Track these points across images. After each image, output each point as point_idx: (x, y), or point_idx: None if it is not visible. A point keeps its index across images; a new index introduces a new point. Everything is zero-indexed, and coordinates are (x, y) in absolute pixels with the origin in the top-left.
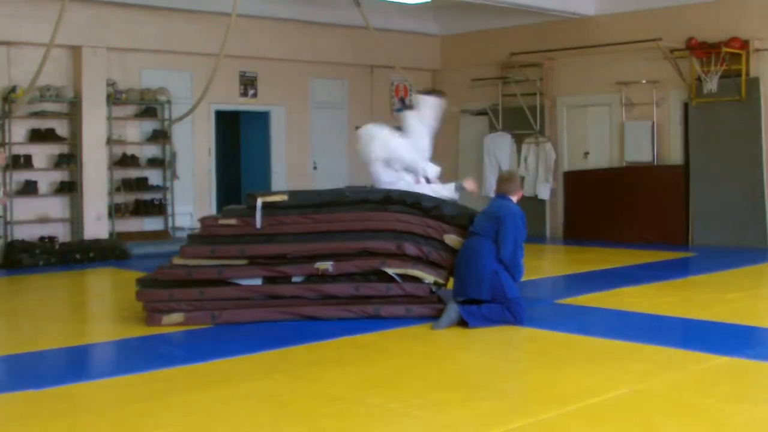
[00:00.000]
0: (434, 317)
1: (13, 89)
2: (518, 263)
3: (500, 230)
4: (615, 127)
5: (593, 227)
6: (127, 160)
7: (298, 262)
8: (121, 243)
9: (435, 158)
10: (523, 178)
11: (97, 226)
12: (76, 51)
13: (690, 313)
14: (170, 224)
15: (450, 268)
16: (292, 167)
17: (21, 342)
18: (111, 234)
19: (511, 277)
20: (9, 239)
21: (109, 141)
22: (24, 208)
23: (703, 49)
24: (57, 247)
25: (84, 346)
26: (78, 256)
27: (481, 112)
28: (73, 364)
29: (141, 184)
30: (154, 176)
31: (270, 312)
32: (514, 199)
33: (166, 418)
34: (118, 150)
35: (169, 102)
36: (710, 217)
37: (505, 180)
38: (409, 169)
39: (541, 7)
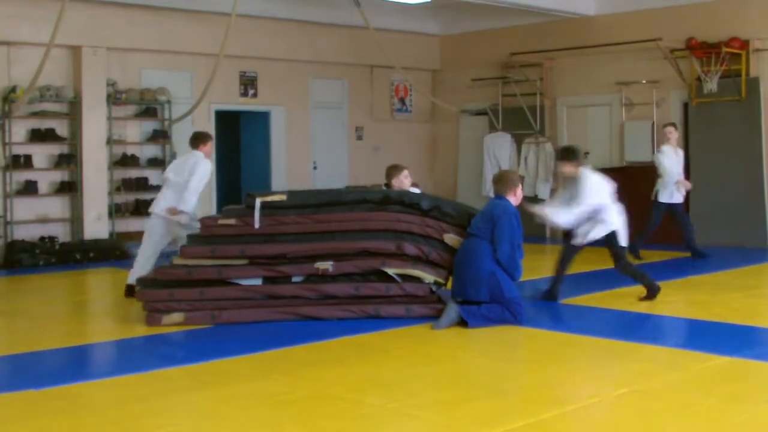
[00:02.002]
0: (434, 317)
1: (13, 89)
2: (516, 263)
3: (496, 230)
4: (615, 127)
5: None
6: (127, 160)
7: (298, 262)
8: (121, 243)
9: (434, 159)
10: (522, 178)
11: (97, 226)
12: (76, 51)
13: (690, 313)
14: None
15: (450, 268)
16: (292, 167)
17: (21, 342)
18: (111, 234)
19: (510, 277)
20: (9, 239)
21: (109, 141)
22: (24, 208)
23: (703, 49)
24: (57, 247)
25: (84, 346)
26: (78, 256)
27: (481, 112)
28: (73, 364)
29: (141, 184)
30: (154, 176)
31: (270, 312)
32: (512, 199)
33: (166, 418)
34: (118, 150)
35: (169, 102)
36: (710, 217)
37: (497, 180)
38: None
39: (541, 7)
